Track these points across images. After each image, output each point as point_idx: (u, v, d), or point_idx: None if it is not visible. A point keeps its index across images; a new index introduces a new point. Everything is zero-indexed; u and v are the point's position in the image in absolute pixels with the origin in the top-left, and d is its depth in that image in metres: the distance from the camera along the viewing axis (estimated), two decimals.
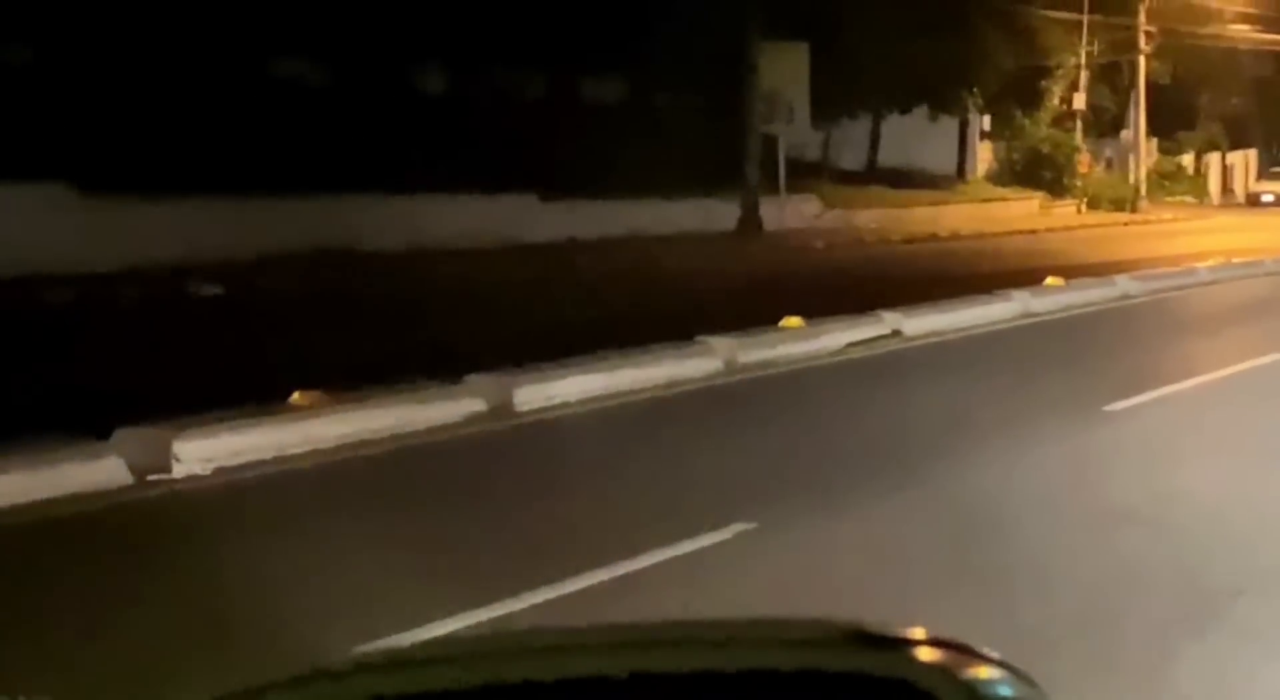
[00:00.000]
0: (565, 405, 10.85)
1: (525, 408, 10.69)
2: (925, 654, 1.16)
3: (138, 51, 23.02)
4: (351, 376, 10.59)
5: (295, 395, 9.68)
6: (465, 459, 9.43)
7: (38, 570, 6.93)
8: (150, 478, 8.45)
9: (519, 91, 30.15)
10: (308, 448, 9.22)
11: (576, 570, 6.57)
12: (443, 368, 11.06)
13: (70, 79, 22.28)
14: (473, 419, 10.34)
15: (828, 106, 33.69)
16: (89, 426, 8.73)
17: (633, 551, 6.88)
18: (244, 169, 22.69)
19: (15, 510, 7.67)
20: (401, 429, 9.79)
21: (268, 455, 8.98)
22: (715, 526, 7.28)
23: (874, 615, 1.28)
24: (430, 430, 9.95)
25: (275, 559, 6.84)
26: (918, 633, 1.18)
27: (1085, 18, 43.91)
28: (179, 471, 8.56)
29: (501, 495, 8.36)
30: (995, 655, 1.17)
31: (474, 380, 10.74)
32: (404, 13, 26.14)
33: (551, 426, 10.33)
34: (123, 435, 8.58)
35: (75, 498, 7.99)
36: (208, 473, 8.65)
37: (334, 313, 16.25)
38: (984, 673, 1.15)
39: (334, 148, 24.56)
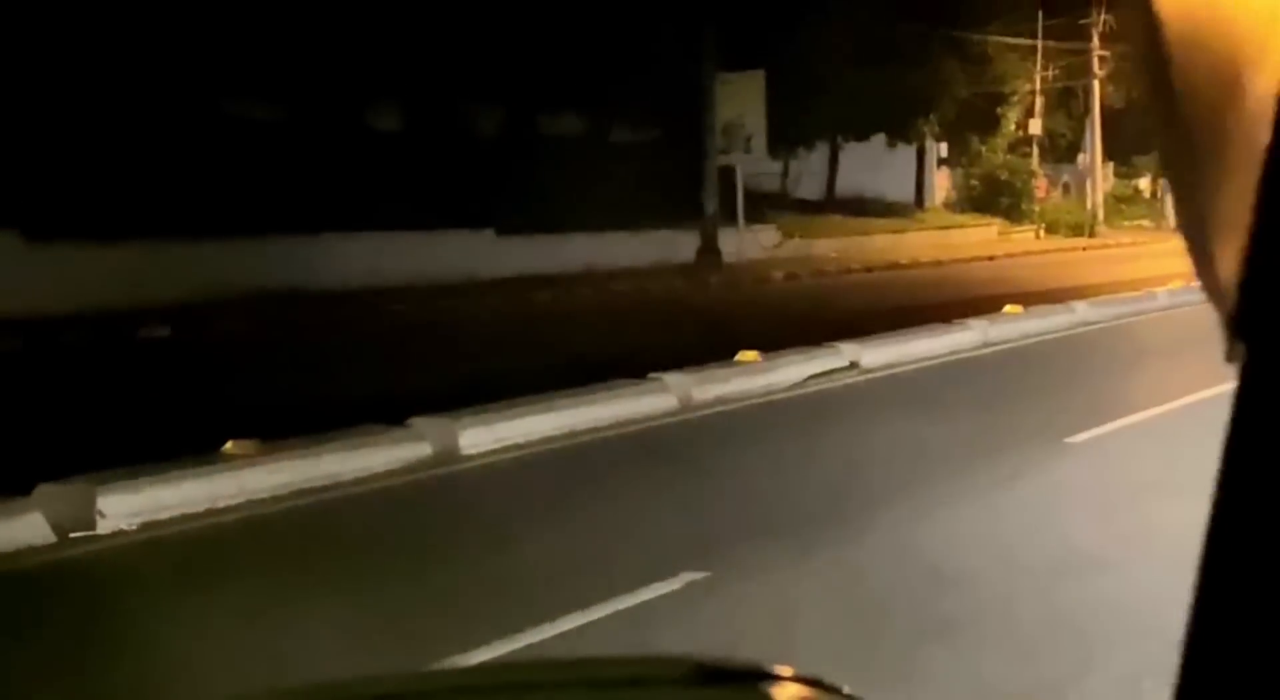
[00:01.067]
0: (514, 447, 10.51)
1: (472, 451, 10.34)
2: (775, 691, 1.10)
3: (85, 93, 22.65)
4: (292, 422, 10.23)
5: (229, 444, 9.30)
6: (405, 508, 9.06)
7: None
8: (73, 535, 8.06)
9: (475, 127, 29.89)
10: (241, 499, 8.84)
11: (518, 627, 6.23)
12: (388, 411, 10.71)
13: (15, 124, 21.90)
14: (417, 464, 9.98)
15: (785, 135, 33.54)
16: (10, 481, 8.34)
17: (579, 604, 6.54)
18: (195, 210, 22.34)
19: None
20: (341, 477, 9.43)
21: (198, 508, 8.60)
22: (664, 576, 6.94)
23: (830, 670, 1.12)
24: (372, 477, 9.59)
25: (193, 623, 6.47)
26: (770, 668, 1.13)
27: (1040, 43, 43.99)
28: (104, 528, 8.17)
29: (441, 546, 7.99)
30: (855, 695, 1.13)
31: (418, 423, 10.39)
32: (357, 49, 25.85)
33: (498, 471, 9.97)
34: (45, 490, 8.19)
35: None
36: (134, 528, 8.26)
37: (279, 356, 15.87)
38: None
39: (287, 187, 24.23)
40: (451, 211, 26.22)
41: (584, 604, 6.55)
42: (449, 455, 10.21)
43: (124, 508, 8.26)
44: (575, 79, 29.40)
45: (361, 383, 12.92)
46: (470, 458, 10.24)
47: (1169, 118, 0.58)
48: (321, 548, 8.22)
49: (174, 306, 20.04)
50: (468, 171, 27.62)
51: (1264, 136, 0.53)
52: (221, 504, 8.72)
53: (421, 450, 10.11)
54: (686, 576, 6.94)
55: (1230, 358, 0.54)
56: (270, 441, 9.54)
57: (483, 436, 10.45)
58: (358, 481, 9.46)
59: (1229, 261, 0.55)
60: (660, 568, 7.07)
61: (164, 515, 8.42)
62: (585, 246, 28.40)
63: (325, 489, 9.24)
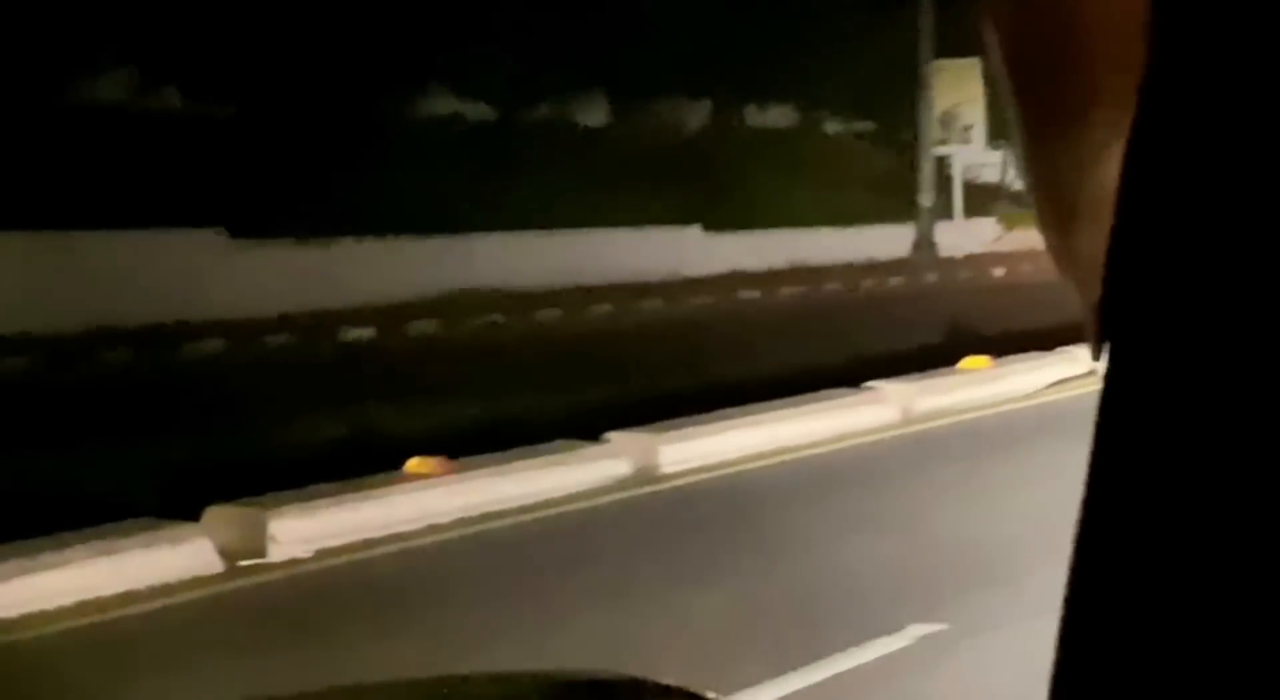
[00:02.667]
0: (718, 466, 9.64)
1: (673, 469, 9.50)
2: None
3: (286, 90, 22.55)
4: (482, 436, 9.54)
5: (411, 462, 8.61)
6: (601, 533, 8.27)
7: (89, 687, 5.93)
8: (242, 564, 7.44)
9: (681, 120, 29.23)
10: (423, 523, 8.14)
11: (747, 681, 5.38)
12: (583, 423, 9.96)
13: (220, 121, 21.89)
14: (614, 484, 9.19)
15: (1007, 125, 32.06)
16: (183, 501, 7.78)
17: (795, 661, 5.67)
18: (396, 208, 22.02)
19: (81, 608, 6.70)
20: (531, 499, 8.67)
21: (377, 533, 7.92)
22: (893, 628, 6.02)
23: None
24: (565, 499, 8.82)
25: (373, 665, 5.75)
26: (634, 680, 1.16)
27: None
28: (275, 554, 7.54)
29: (639, 580, 7.18)
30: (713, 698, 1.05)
31: (615, 439, 9.60)
32: (564, 43, 25.39)
33: (703, 492, 9.11)
34: (214, 515, 7.59)
35: (155, 591, 7.01)
36: (308, 555, 7.61)
37: (473, 361, 15.25)
38: None
39: (490, 183, 23.82)
40: (656, 207, 25.55)
41: (799, 661, 5.67)
42: (648, 474, 9.40)
43: (297, 533, 7.63)
44: (785, 69, 28.53)
45: (557, 391, 12.19)
46: (671, 477, 9.41)
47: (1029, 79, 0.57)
48: (511, 577, 7.48)
49: (375, 307, 19.67)
50: (674, 166, 26.92)
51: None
52: (402, 528, 8.03)
53: (619, 468, 9.32)
54: (919, 629, 6.01)
55: (1096, 350, 0.51)
56: (456, 459, 8.84)
57: (685, 453, 9.62)
58: (549, 503, 8.70)
59: (1092, 245, 0.53)
60: (890, 618, 6.14)
61: (339, 541, 7.76)
62: (794, 242, 27.42)
63: (514, 512, 8.50)
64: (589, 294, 22.06)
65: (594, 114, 27.93)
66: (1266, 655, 0.46)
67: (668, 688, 1.13)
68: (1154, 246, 0.50)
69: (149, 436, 9.68)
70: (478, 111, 25.94)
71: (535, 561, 7.81)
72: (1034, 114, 0.60)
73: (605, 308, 21.51)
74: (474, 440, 9.62)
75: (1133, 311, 0.50)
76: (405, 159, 23.04)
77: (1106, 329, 0.52)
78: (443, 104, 25.46)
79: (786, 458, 9.91)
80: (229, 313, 18.70)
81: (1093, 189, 0.56)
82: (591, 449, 9.43)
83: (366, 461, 8.91)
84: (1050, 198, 0.59)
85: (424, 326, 19.26)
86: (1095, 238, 0.53)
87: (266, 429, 10.11)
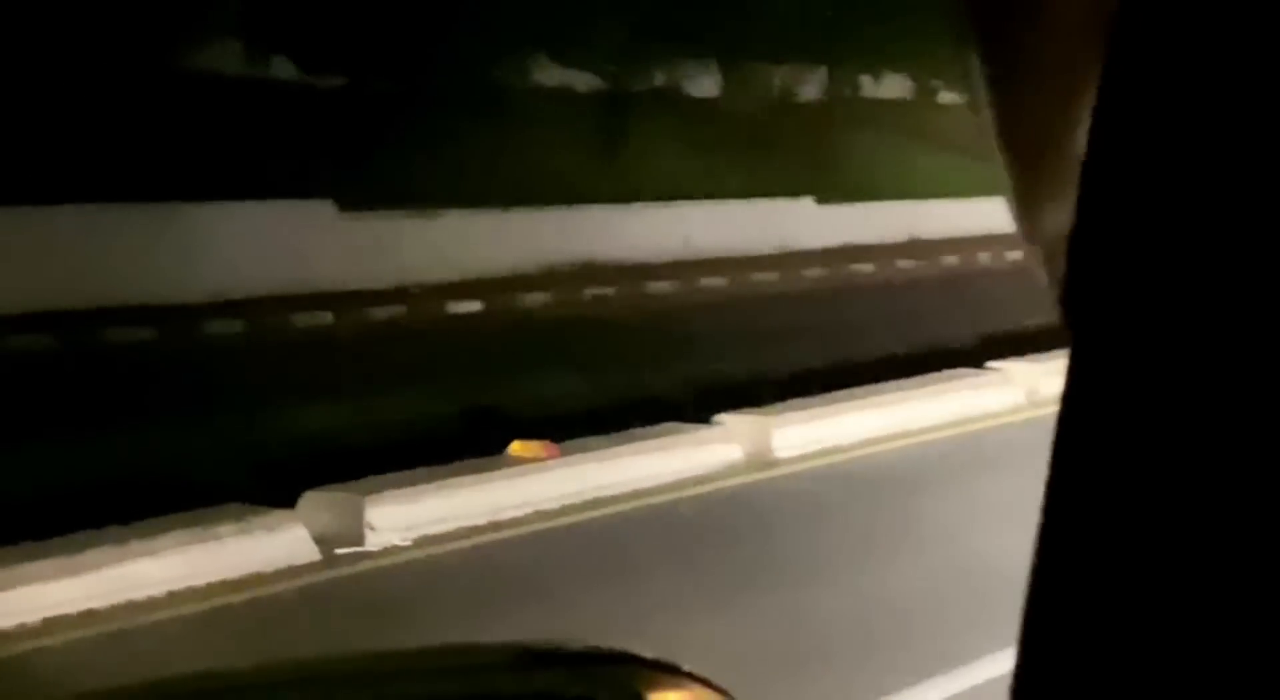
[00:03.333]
0: (834, 451, 9.22)
1: (787, 454, 9.10)
2: (607, 671, 1.14)
3: (399, 59, 22.37)
4: (588, 417, 9.21)
5: (514, 445, 8.29)
6: (712, 522, 7.90)
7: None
8: (339, 552, 7.16)
9: (795, 90, 28.71)
10: (527, 510, 7.82)
11: (880, 690, 5.00)
12: (693, 404, 9.59)
13: (329, 92, 21.78)
14: (725, 470, 8.80)
15: None
16: (282, 485, 7.53)
17: (946, 662, 5.27)
18: (506, 179, 21.79)
19: (174, 598, 6.46)
20: (640, 484, 8.32)
21: (478, 520, 7.61)
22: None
23: None
24: (675, 484, 8.45)
25: None
26: (608, 651, 1.16)
27: None
28: (373, 542, 7.25)
29: (751, 572, 6.82)
30: (699, 675, 1.12)
31: (726, 421, 9.21)
32: (677, 10, 24.94)
33: (816, 479, 8.71)
34: (310, 500, 7.32)
35: (251, 580, 6.75)
36: (406, 544, 7.32)
37: (581, 336, 14.92)
38: (675, 693, 1.14)
39: (599, 156, 23.50)
40: (768, 178, 25.09)
41: (936, 667, 5.26)
42: (761, 459, 9.01)
43: (396, 520, 7.34)
44: (900, 38, 27.87)
45: (667, 368, 11.83)
46: (785, 462, 9.01)
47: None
48: (617, 569, 7.14)
49: (482, 281, 19.43)
50: (786, 136, 26.42)
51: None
52: (504, 515, 7.72)
53: (730, 453, 8.94)
54: None
55: (1063, 327, 0.51)
56: (560, 442, 8.50)
57: (800, 437, 9.21)
58: (658, 489, 8.34)
59: (1058, 222, 0.52)
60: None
61: (440, 528, 7.46)
62: (910, 215, 26.81)
63: (621, 498, 8.15)
64: (700, 267, 21.68)
65: (705, 84, 27.47)
66: (1230, 659, 0.44)
67: (654, 661, 1.15)
68: (1118, 225, 0.49)
69: (246, 414, 9.46)
70: (587, 82, 25.60)
71: (642, 551, 7.47)
72: (998, 67, 0.56)
73: (717, 281, 21.12)
74: (580, 420, 9.31)
75: (1095, 292, 0.50)
76: (514, 130, 22.79)
77: (1069, 310, 0.51)
78: (551, 74, 25.15)
79: (907, 442, 9.46)
80: (336, 285, 18.58)
81: (1060, 159, 0.53)
82: (702, 432, 9.06)
83: (469, 442, 8.62)
84: (1015, 165, 0.57)
85: (532, 300, 19.00)
86: (1060, 213, 0.52)
87: (368, 407, 9.85)
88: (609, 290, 20.01)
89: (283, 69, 22.68)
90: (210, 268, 17.69)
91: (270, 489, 7.47)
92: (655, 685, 1.13)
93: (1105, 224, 0.49)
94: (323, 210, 19.96)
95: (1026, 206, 0.56)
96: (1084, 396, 0.49)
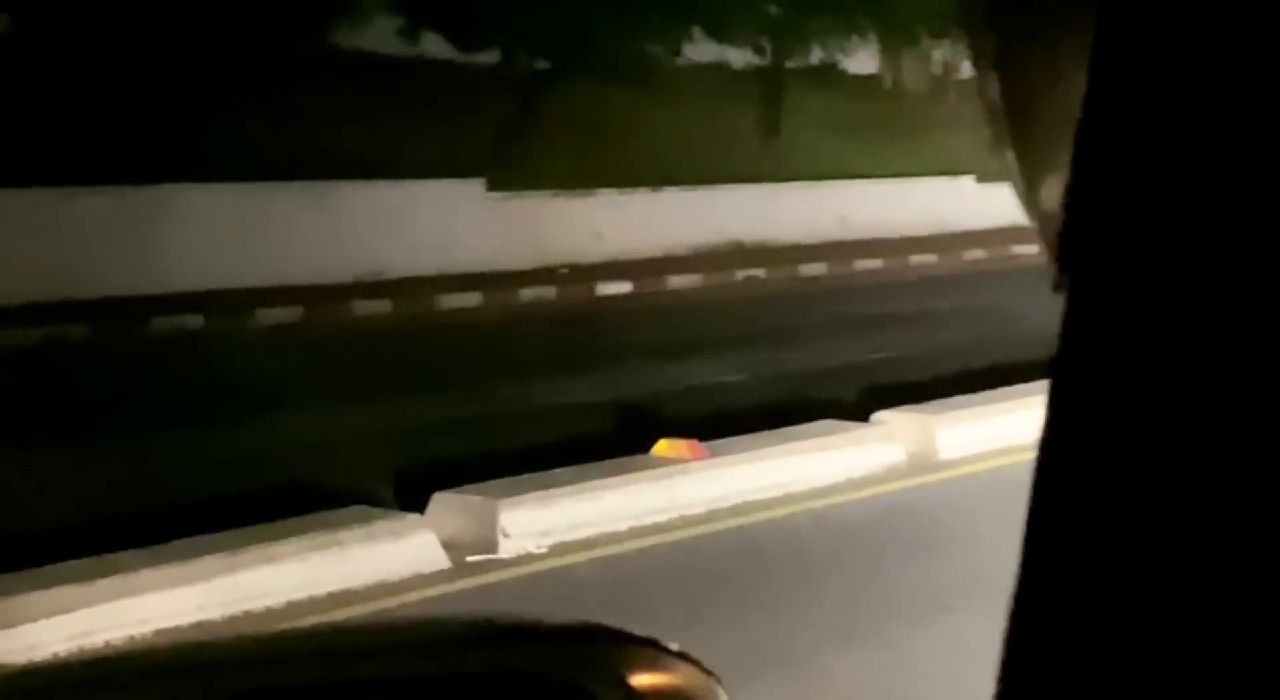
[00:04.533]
0: (1006, 452, 8.52)
1: (953, 455, 8.45)
2: (584, 648, 1.11)
3: (542, 38, 22.02)
4: (739, 407, 8.66)
5: (660, 444, 7.76)
6: (872, 529, 7.30)
7: None
8: (470, 559, 6.69)
9: (955, 67, 27.85)
10: (673, 514, 7.29)
11: None
12: (849, 397, 8.99)
13: (478, 71, 21.51)
14: (886, 473, 8.19)
15: None
16: (414, 486, 7.10)
17: None
18: (655, 160, 21.33)
19: (293, 609, 6.04)
20: (794, 486, 7.74)
21: (620, 526, 7.10)
22: None
23: None
24: (831, 488, 7.86)
25: None
26: (584, 625, 1.15)
27: None
28: (507, 549, 6.78)
29: (919, 585, 6.22)
30: (674, 647, 1.11)
31: (886, 419, 8.59)
32: None
33: (988, 483, 8.04)
34: (440, 504, 6.87)
35: (375, 590, 6.31)
36: (542, 551, 6.83)
37: (734, 320, 14.34)
38: (660, 674, 1.10)
39: (749, 132, 22.94)
40: (928, 157, 24.32)
41: None
42: (925, 461, 8.37)
43: (531, 525, 6.85)
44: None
45: (819, 358, 11.22)
46: (951, 465, 8.36)
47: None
48: (767, 580, 6.59)
49: (632, 261, 18.99)
50: (946, 114, 25.57)
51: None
52: (647, 521, 7.20)
53: (892, 454, 8.32)
54: None
55: (1057, 287, 0.51)
56: (709, 440, 7.95)
57: (967, 437, 8.55)
58: (814, 493, 7.75)
59: (1055, 183, 0.53)
60: None
61: (578, 535, 6.96)
62: None
63: (773, 503, 7.58)
64: (856, 248, 21.04)
65: (864, 60, 26.71)
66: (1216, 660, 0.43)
67: (627, 635, 1.10)
68: (1112, 198, 0.49)
69: (378, 405, 9.06)
70: (742, 58, 24.99)
71: (795, 561, 6.91)
72: (1007, 36, 0.56)
73: (874, 263, 20.46)
74: (728, 414, 8.76)
75: (1089, 264, 0.50)
76: (666, 107, 22.32)
77: (1065, 278, 0.51)
78: (706, 50, 24.58)
79: None
80: (483, 266, 18.29)
81: (1061, 131, 0.52)
82: (860, 431, 8.45)
83: (613, 438, 8.13)
84: (1017, 138, 0.57)
85: (682, 282, 18.54)
86: (1059, 186, 0.52)
87: (507, 397, 9.39)
88: (761, 272, 19.49)
89: (436, 47, 22.41)
90: (358, 248, 17.52)
91: (398, 490, 7.04)
92: (637, 664, 1.09)
93: (1100, 182, 0.48)
94: (472, 190, 19.66)
95: (1028, 181, 0.55)
96: (1077, 351, 0.48)
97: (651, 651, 1.11)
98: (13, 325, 12.79)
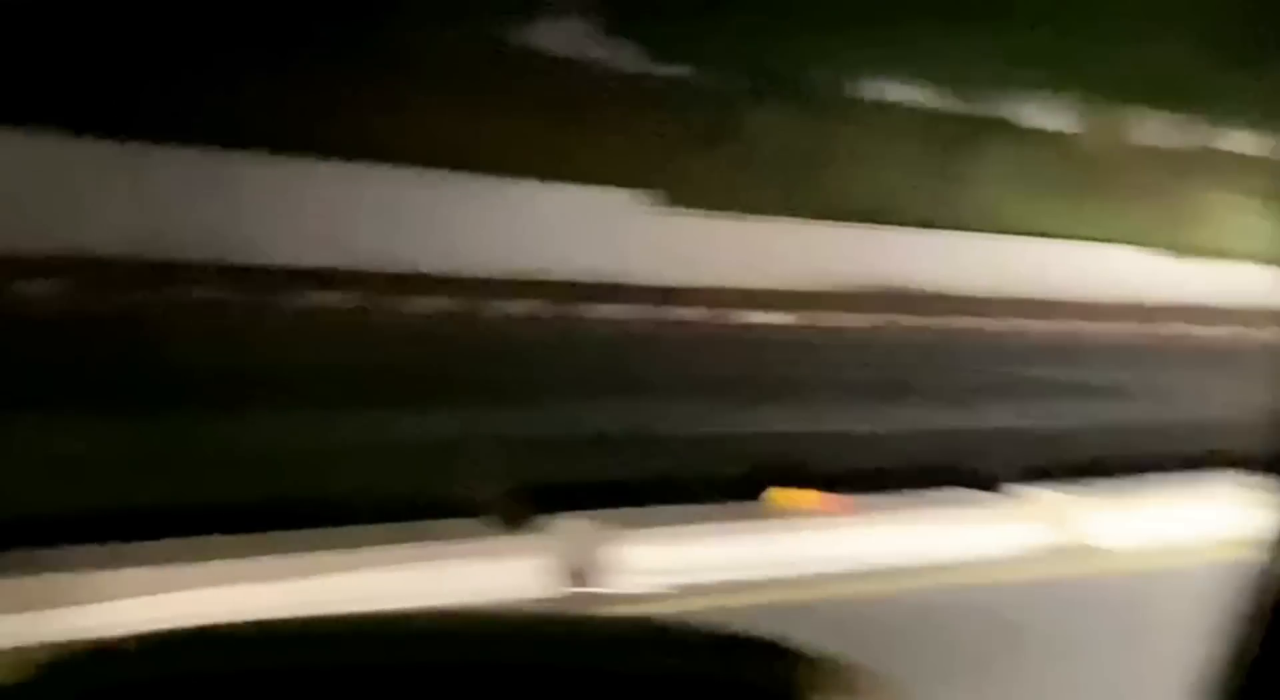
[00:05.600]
0: (1169, 549, 7.94)
1: (1103, 544, 7.95)
2: (761, 658, 1.18)
3: (735, 56, 21.77)
4: (875, 468, 8.27)
5: (781, 493, 7.39)
6: (1007, 619, 6.85)
7: None
8: (581, 590, 6.41)
9: (1156, 137, 27.08)
10: (789, 571, 6.92)
11: None
12: (995, 465, 8.56)
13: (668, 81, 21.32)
14: (1025, 554, 7.73)
15: None
16: (530, 512, 6.85)
17: None
18: (826, 191, 20.99)
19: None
20: (928, 557, 7.33)
21: (733, 574, 6.75)
22: None
23: None
24: (963, 564, 7.42)
25: None
26: (762, 637, 1.20)
27: None
28: (620, 584, 6.48)
29: (1064, 685, 5.79)
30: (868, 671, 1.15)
31: (1030, 495, 8.14)
32: (1039, 37, 23.71)
33: (1145, 579, 7.52)
34: (560, 528, 6.60)
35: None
36: (655, 591, 6.52)
37: (881, 365, 13.89)
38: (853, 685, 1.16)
39: (929, 176, 22.46)
40: (1119, 223, 23.65)
41: None
42: (1070, 547, 7.90)
43: (649, 562, 6.56)
44: (1273, 97, 25.94)
45: (970, 417, 10.75)
46: (1097, 554, 7.86)
47: None
48: (893, 659, 6.19)
49: (789, 291, 18.73)
50: (1143, 182, 24.83)
51: None
52: (770, 573, 6.85)
53: (1034, 535, 7.87)
54: None
55: None
56: (838, 493, 7.56)
57: (1119, 525, 8.05)
58: (946, 567, 7.34)
59: None
60: None
61: (695, 578, 6.64)
62: (1268, 280, 24.88)
63: (902, 573, 7.18)
64: (1022, 306, 20.50)
65: (1060, 116, 26.08)
66: None
67: (816, 655, 1.13)
68: None
69: (510, 410, 8.81)
70: (933, 100, 24.53)
71: (926, 639, 6.51)
72: None
73: (1039, 324, 19.89)
74: (862, 466, 8.37)
75: None
76: (846, 140, 21.97)
77: None
78: (898, 88, 24.17)
79: None
80: (640, 279, 18.13)
81: None
82: (1002, 505, 8.02)
83: (742, 479, 7.78)
84: None
85: (837, 320, 18.18)
86: None
87: (636, 420, 9.08)
88: (920, 319, 19.05)
89: (628, 55, 22.28)
90: (519, 246, 17.47)
91: (517, 505, 6.78)
92: (837, 680, 1.10)
93: None
94: (641, 201, 19.48)
95: None
96: None
97: (833, 669, 1.13)
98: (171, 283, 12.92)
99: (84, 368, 8.75)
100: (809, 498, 7.24)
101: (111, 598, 4.99)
